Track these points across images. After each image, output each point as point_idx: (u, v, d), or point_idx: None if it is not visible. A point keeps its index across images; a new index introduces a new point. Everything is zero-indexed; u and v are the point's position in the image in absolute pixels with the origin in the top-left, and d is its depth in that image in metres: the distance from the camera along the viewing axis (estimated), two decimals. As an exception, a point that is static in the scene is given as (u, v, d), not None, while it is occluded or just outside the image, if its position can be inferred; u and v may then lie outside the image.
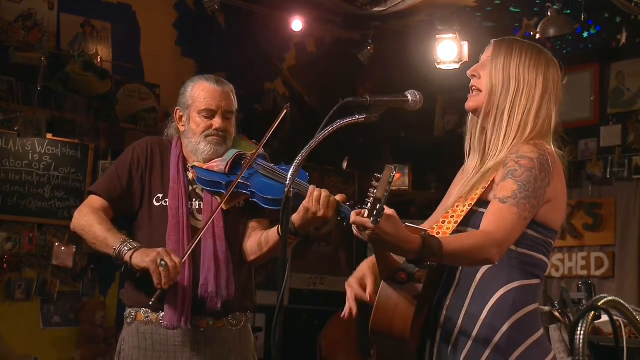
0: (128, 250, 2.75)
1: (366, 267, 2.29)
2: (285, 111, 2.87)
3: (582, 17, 5.74)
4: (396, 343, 2.13)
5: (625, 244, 6.11)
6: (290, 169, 2.77)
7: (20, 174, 5.58)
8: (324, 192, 2.68)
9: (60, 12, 5.84)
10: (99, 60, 5.84)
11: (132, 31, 6.21)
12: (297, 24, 6.62)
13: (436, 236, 2.03)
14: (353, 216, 1.94)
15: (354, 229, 1.96)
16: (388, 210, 1.92)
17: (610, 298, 3.20)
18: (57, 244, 5.64)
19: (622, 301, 3.23)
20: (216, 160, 2.94)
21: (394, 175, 1.90)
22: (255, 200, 2.84)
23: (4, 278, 5.46)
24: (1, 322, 5.40)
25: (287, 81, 7.07)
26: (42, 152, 5.66)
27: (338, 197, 2.69)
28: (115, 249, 2.78)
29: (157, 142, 3.05)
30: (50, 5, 5.79)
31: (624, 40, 5.97)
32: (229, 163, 2.92)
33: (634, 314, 3.23)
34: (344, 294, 2.27)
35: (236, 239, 2.96)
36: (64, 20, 5.86)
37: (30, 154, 5.62)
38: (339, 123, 2.18)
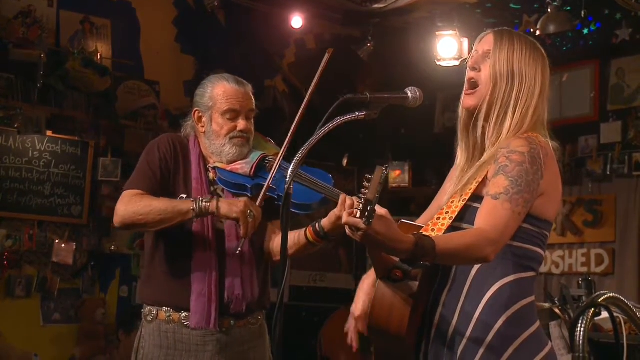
0: (210, 202, 2.73)
1: (372, 293, 2.26)
2: (328, 55, 2.78)
3: (582, 13, 5.74)
4: (394, 340, 2.14)
5: (625, 240, 6.11)
6: (313, 173, 2.79)
7: (20, 171, 5.58)
8: (357, 202, 2.68)
9: (60, 9, 5.84)
10: (98, 57, 5.84)
11: (132, 28, 6.21)
12: (296, 21, 6.63)
13: (429, 235, 2.03)
14: (345, 217, 1.94)
15: (347, 229, 1.96)
16: (380, 210, 1.93)
17: (610, 295, 3.20)
18: (57, 241, 5.64)
19: (622, 298, 3.23)
20: (240, 162, 2.92)
21: (384, 176, 1.90)
22: (281, 204, 2.84)
23: (4, 275, 5.46)
24: (1, 319, 5.41)
25: (287, 78, 7.07)
26: (42, 149, 5.66)
27: None
28: (193, 209, 2.73)
29: (178, 140, 3.00)
30: (49, 2, 5.78)
31: (627, 37, 5.97)
32: (254, 166, 2.90)
33: (634, 310, 3.23)
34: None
35: (258, 240, 2.95)
36: (63, 17, 5.86)
37: (30, 151, 5.62)
38: (339, 120, 2.18)
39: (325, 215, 2.82)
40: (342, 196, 2.69)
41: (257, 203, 2.81)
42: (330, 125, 2.16)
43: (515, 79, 2.23)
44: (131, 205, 2.79)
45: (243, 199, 2.76)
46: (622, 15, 5.99)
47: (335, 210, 2.72)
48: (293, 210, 2.79)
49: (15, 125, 5.52)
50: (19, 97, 5.56)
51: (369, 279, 2.32)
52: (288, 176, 2.17)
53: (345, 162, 7.18)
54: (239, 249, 2.76)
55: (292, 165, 2.18)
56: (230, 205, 2.72)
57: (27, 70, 5.54)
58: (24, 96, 5.57)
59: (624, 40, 6.04)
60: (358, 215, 1.89)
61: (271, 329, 2.07)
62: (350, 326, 2.32)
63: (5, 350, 5.36)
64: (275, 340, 2.07)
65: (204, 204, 2.73)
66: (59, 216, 5.68)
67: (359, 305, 2.30)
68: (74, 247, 5.67)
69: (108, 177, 5.83)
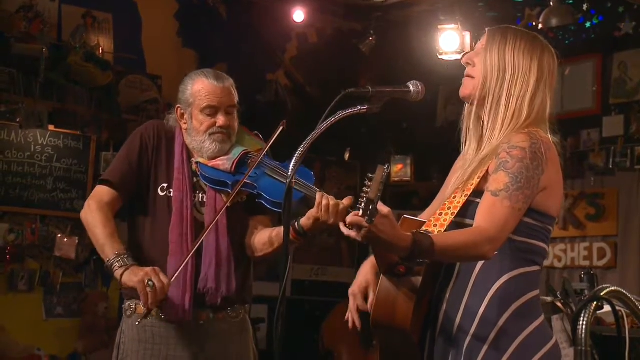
0: (119, 268, 2.74)
1: (369, 274, 2.30)
2: (281, 127, 2.86)
3: (585, 6, 5.73)
4: (398, 336, 2.15)
5: (627, 234, 6.11)
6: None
7: (22, 166, 5.58)
8: (332, 201, 2.66)
9: (62, 3, 5.84)
10: (100, 52, 5.83)
11: (134, 22, 6.20)
12: (298, 15, 6.62)
13: (428, 233, 2.04)
14: (349, 217, 1.95)
15: (342, 228, 1.98)
16: (384, 209, 1.94)
17: (612, 288, 3.20)
18: (59, 235, 5.64)
19: (624, 291, 3.22)
20: (221, 158, 2.92)
21: (386, 175, 1.92)
22: (261, 201, 2.83)
23: (7, 269, 5.47)
24: (4, 313, 5.41)
25: (289, 72, 7.06)
26: (44, 143, 5.66)
27: (346, 202, 2.66)
28: (109, 260, 2.77)
29: (163, 127, 3.03)
30: (51, -3, 5.79)
31: (630, 31, 5.96)
32: (235, 162, 2.90)
33: (637, 304, 3.23)
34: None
35: (238, 234, 2.96)
36: (65, 12, 5.85)
37: (33, 146, 5.62)
38: (340, 114, 2.17)
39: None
40: (319, 196, 2.67)
41: (231, 198, 2.80)
42: (332, 120, 2.16)
43: (506, 70, 2.23)
44: (89, 212, 2.86)
45: (147, 269, 2.72)
46: (625, 8, 5.98)
47: (312, 210, 2.70)
48: (271, 208, 2.79)
49: (18, 120, 5.52)
50: (21, 91, 5.56)
51: (368, 264, 2.34)
52: (290, 170, 2.17)
53: (347, 156, 7.18)
54: (138, 320, 2.77)
55: (294, 159, 2.18)
56: (130, 275, 2.71)
57: (29, 64, 5.53)
58: (26, 90, 5.57)
59: (626, 33, 6.03)
60: (360, 214, 1.90)
61: (273, 322, 2.07)
62: (351, 306, 2.32)
63: (8, 344, 5.36)
64: (277, 334, 2.08)
65: (116, 264, 2.75)
66: (61, 210, 5.68)
67: (355, 285, 2.33)
68: (77, 241, 5.67)
69: (110, 171, 5.83)
